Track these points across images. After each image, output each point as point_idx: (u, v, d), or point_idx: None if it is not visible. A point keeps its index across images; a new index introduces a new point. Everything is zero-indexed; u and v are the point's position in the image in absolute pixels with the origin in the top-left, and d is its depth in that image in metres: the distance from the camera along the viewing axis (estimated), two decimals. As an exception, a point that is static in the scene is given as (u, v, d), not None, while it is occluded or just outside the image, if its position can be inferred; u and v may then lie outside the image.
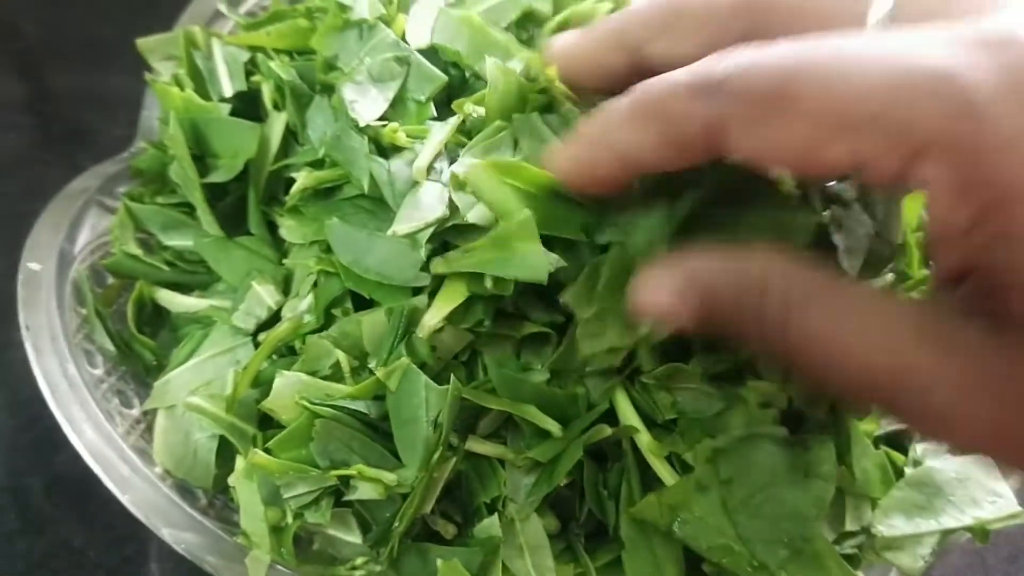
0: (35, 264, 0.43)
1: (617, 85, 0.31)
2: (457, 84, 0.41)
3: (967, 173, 0.21)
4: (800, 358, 0.25)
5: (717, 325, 0.28)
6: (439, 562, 0.37)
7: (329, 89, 0.41)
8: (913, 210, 0.41)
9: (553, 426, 0.37)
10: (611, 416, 0.39)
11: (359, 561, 0.39)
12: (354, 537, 0.39)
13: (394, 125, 0.39)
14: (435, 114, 0.40)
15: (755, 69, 0.24)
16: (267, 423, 0.41)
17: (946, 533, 0.39)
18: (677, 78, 0.26)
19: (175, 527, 0.38)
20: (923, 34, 0.22)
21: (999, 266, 0.22)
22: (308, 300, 0.41)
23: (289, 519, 0.38)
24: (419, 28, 0.41)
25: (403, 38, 0.41)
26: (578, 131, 0.31)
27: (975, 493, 0.40)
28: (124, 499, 0.38)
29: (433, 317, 0.35)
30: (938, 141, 0.21)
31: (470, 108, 0.38)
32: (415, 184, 0.36)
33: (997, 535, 0.40)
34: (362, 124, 0.39)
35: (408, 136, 0.38)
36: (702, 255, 0.29)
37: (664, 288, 0.29)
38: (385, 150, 0.39)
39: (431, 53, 0.41)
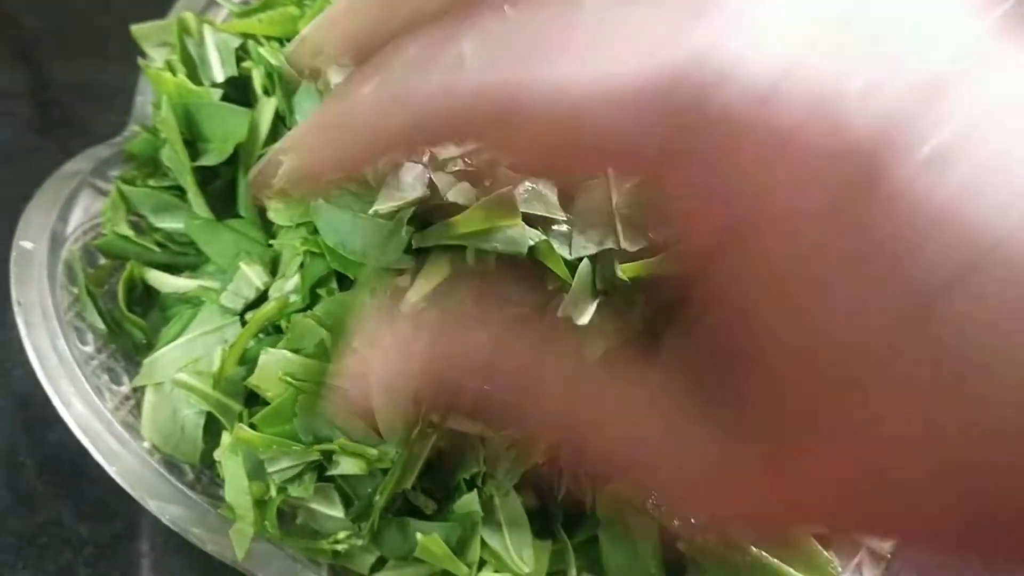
0: (28, 243, 0.44)
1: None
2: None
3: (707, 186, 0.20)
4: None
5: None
6: (419, 536, 0.38)
7: (317, 75, 0.42)
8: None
9: None
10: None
11: (341, 535, 0.39)
12: (336, 511, 0.40)
13: None
14: None
15: (487, 88, 0.21)
16: (253, 400, 0.42)
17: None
18: (429, 74, 0.23)
19: (162, 499, 0.39)
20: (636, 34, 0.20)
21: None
22: (294, 280, 0.41)
23: (273, 493, 0.39)
24: None
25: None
26: (322, 117, 0.28)
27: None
28: (112, 471, 0.39)
29: (415, 294, 0.36)
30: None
31: None
32: (395, 164, 0.37)
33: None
34: None
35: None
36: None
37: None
38: None
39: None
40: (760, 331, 0.20)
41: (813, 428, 0.20)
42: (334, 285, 0.40)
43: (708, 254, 0.20)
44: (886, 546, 0.40)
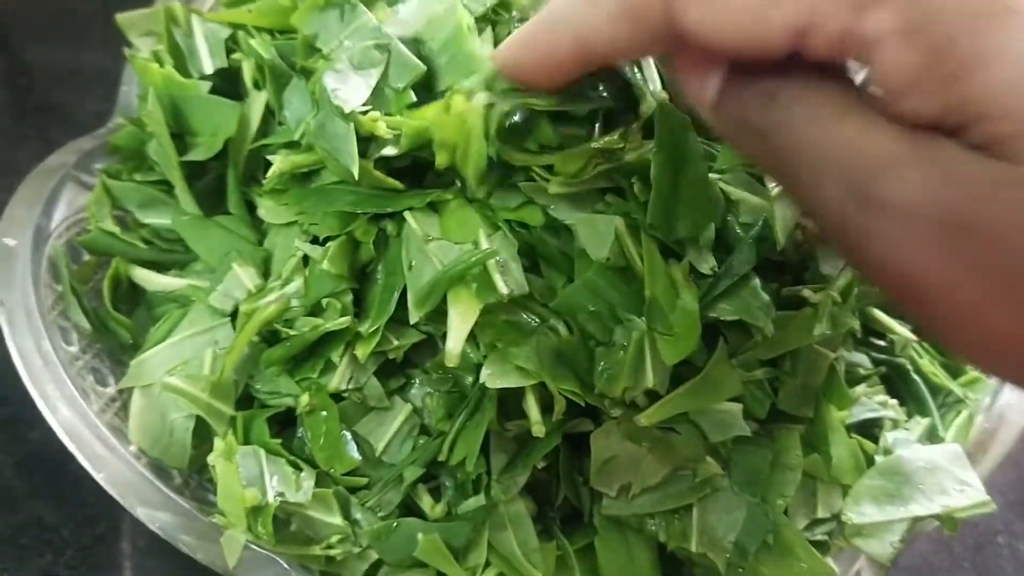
0: (11, 240, 0.42)
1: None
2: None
3: (913, 16, 0.21)
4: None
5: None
6: (419, 536, 0.38)
7: (308, 72, 0.41)
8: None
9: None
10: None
11: (334, 539, 0.39)
12: (334, 518, 0.39)
13: (375, 114, 0.37)
14: (414, 100, 0.39)
15: None
16: (245, 403, 0.41)
17: (915, 520, 0.40)
18: None
19: (150, 506, 0.38)
20: None
21: (967, 102, 0.21)
22: (296, 285, 0.40)
23: (270, 499, 0.38)
24: (399, 16, 0.40)
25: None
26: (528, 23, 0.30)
27: (944, 482, 0.41)
28: (99, 477, 0.37)
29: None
30: None
31: None
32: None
33: (964, 524, 0.41)
34: (347, 111, 0.37)
35: (388, 126, 0.38)
36: None
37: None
38: (362, 138, 0.38)
39: (411, 40, 0.40)
40: None
41: None
42: (348, 298, 0.39)
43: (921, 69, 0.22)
44: (887, 551, 0.40)
